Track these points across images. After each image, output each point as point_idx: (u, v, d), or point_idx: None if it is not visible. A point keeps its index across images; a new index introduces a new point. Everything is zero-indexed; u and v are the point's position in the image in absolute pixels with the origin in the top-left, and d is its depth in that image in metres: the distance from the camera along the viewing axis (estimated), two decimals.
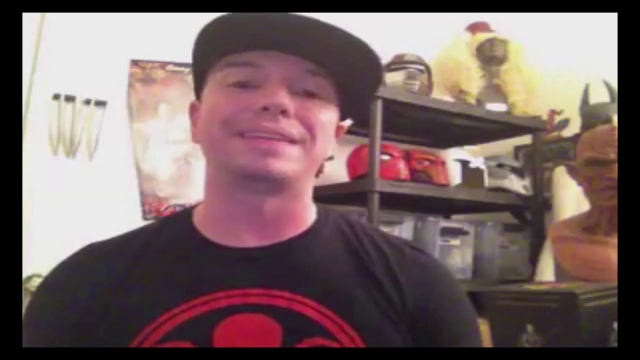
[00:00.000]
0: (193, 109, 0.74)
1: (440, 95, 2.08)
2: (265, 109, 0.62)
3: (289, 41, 0.63)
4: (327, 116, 0.68)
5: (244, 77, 0.65)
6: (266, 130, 0.63)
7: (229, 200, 0.68)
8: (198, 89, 0.73)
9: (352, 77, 0.68)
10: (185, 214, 0.74)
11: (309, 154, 0.66)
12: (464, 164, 2.01)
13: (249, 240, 0.68)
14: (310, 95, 0.66)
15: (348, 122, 0.77)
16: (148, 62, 1.92)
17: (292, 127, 0.64)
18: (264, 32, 0.63)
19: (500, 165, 2.09)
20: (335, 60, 0.65)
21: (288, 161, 0.64)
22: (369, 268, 0.68)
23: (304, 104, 0.65)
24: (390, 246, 0.72)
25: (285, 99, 0.63)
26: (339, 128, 0.73)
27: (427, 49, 2.10)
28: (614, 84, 1.86)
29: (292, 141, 0.64)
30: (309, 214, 0.73)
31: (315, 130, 0.65)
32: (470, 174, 2.00)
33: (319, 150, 0.67)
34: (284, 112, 0.63)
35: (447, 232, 1.96)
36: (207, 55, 0.68)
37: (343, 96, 0.70)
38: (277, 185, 0.65)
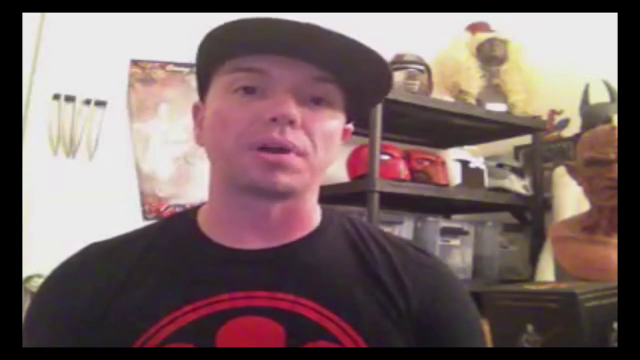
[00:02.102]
0: (196, 110, 0.74)
1: (440, 95, 2.08)
2: (274, 119, 0.62)
3: (296, 47, 0.63)
4: (333, 124, 0.67)
5: (251, 83, 0.65)
6: (274, 142, 0.62)
7: (234, 204, 0.68)
8: (202, 90, 0.72)
9: (361, 83, 0.67)
10: (189, 215, 0.73)
11: (312, 164, 0.65)
12: (464, 164, 2.01)
13: (254, 242, 0.68)
14: (317, 101, 0.66)
15: (352, 125, 0.77)
16: (148, 62, 1.92)
17: (298, 138, 0.63)
18: (271, 37, 0.63)
19: (500, 165, 2.09)
20: (343, 66, 0.65)
21: (295, 174, 0.63)
22: (372, 269, 0.68)
23: (310, 113, 0.65)
24: (394, 247, 0.72)
25: (293, 110, 0.62)
26: (345, 131, 0.73)
27: (427, 49, 2.10)
28: (614, 84, 1.86)
29: (298, 153, 0.63)
30: (315, 215, 0.73)
31: (317, 142, 0.65)
32: (470, 174, 2.00)
33: (322, 160, 0.66)
34: (291, 123, 0.62)
35: (447, 232, 1.96)
36: (213, 58, 0.68)
37: (350, 101, 0.70)
38: (284, 196, 0.65)
